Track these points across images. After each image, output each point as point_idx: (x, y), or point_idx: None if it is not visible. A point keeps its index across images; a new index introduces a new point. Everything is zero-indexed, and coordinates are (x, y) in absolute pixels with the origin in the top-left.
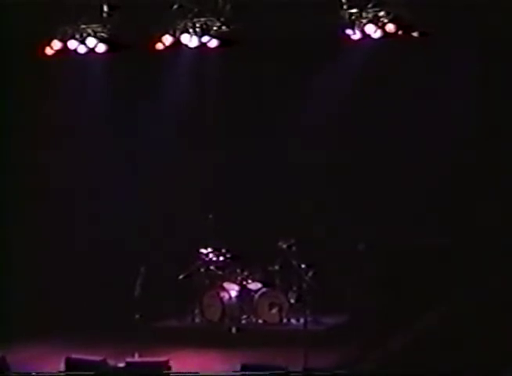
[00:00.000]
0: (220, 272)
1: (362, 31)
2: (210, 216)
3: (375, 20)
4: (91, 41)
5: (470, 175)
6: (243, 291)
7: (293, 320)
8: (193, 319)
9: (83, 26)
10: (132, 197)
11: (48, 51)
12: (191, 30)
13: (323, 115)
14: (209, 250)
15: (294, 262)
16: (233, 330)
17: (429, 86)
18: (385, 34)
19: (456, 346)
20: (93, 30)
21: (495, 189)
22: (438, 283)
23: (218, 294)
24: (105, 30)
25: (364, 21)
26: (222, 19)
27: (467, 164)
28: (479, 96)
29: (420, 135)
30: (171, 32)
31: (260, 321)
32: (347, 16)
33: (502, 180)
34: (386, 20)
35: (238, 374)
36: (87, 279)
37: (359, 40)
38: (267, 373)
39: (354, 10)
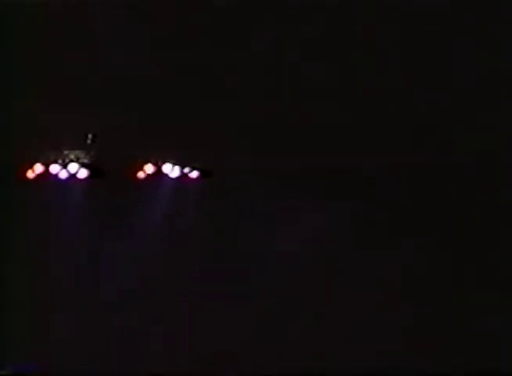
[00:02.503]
0: None
1: None
2: None
3: None
4: (73, 167)
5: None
6: None
7: None
8: None
9: (66, 151)
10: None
11: (30, 174)
12: (173, 161)
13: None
14: None
15: None
16: None
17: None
18: None
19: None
20: (76, 156)
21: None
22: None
23: None
24: (87, 157)
25: None
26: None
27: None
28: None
29: None
30: (153, 161)
31: None
32: None
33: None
34: None
35: None
36: None
37: None
38: None
39: None
